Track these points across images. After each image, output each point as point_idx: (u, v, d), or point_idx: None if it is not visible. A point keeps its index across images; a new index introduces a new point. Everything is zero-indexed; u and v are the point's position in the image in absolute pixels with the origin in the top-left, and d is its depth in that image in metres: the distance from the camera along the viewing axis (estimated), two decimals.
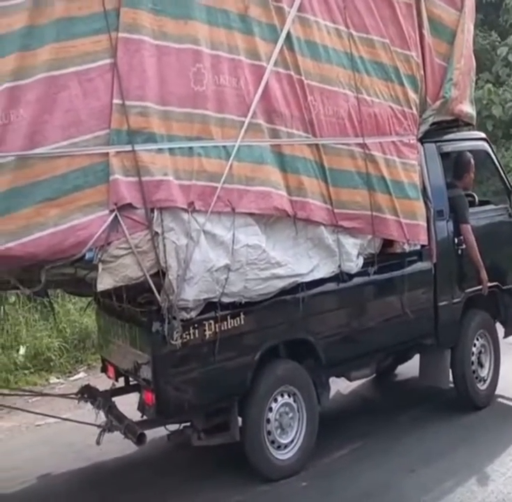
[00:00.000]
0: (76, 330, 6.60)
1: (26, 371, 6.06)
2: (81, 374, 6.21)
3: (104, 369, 4.29)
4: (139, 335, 3.44)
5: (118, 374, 4.06)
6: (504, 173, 4.97)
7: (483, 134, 5.05)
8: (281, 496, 3.58)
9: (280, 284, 3.56)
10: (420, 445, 4.12)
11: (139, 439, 3.32)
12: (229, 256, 3.31)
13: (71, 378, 6.12)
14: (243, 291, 3.42)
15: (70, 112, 2.93)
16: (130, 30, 3.05)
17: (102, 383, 4.34)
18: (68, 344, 6.45)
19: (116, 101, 3.02)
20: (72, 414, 4.53)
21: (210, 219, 3.27)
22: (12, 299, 6.54)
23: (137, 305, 3.44)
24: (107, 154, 3.01)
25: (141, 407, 3.59)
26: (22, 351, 6.24)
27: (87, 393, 4.05)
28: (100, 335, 4.39)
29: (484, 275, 4.44)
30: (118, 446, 3.97)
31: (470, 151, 4.77)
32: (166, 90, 3.16)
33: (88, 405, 4.03)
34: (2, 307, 6.48)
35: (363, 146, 3.87)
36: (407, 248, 4.14)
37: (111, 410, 3.73)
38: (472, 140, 4.90)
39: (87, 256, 3.00)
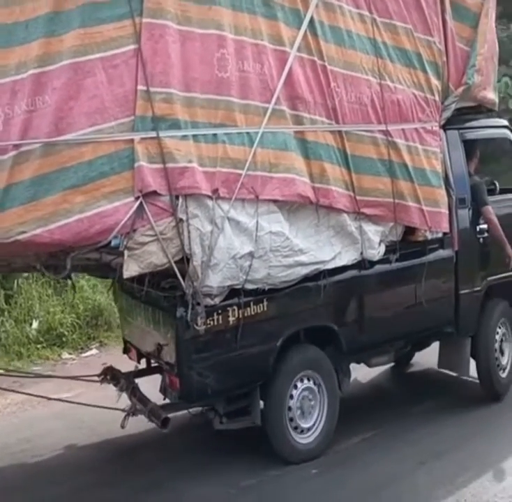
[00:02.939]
0: (89, 307, 6.68)
1: (39, 346, 6.16)
2: (94, 351, 6.31)
3: (126, 351, 4.34)
4: (163, 319, 3.49)
5: (140, 355, 4.12)
6: None
7: (505, 122, 4.99)
8: (291, 482, 3.60)
9: (303, 271, 3.58)
10: (432, 437, 4.09)
11: (164, 423, 3.37)
12: (253, 243, 3.33)
13: (83, 355, 6.22)
14: (266, 278, 3.44)
15: (95, 99, 2.94)
16: (154, 15, 3.05)
17: (115, 360, 4.40)
18: (80, 321, 6.53)
19: (141, 87, 3.03)
20: (85, 390, 4.58)
21: (234, 206, 3.29)
22: (25, 273, 6.53)
23: (162, 290, 3.47)
24: (131, 141, 3.03)
25: (164, 390, 3.64)
26: (35, 325, 6.32)
27: (110, 375, 4.10)
28: (121, 316, 4.44)
29: (509, 251, 4.41)
30: (132, 425, 3.99)
31: (493, 139, 4.73)
32: (190, 76, 3.16)
33: (101, 382, 4.08)
34: (16, 281, 6.53)
35: (386, 132, 3.85)
36: (428, 236, 4.13)
37: (134, 392, 3.79)
38: (495, 127, 4.84)
39: (113, 243, 3.04)
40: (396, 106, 3.89)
